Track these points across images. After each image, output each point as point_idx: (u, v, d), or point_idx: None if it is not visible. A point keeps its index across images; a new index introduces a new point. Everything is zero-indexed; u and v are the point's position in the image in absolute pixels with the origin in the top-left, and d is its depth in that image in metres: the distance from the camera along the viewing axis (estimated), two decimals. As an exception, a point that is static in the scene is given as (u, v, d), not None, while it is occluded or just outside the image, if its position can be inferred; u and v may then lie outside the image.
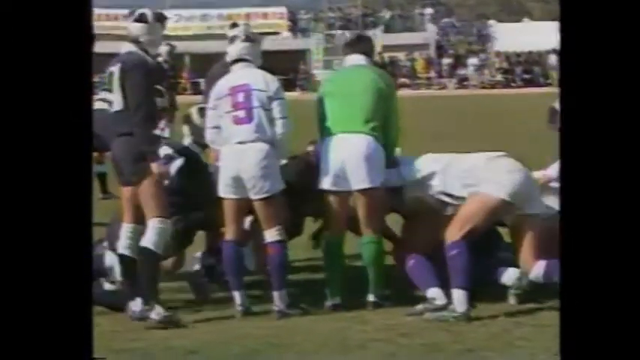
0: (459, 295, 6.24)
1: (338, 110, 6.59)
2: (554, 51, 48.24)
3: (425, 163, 6.74)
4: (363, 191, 6.46)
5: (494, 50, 52.74)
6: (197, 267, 7.05)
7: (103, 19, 57.64)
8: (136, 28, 6.51)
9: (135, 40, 6.49)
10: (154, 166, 6.24)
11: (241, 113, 6.40)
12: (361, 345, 5.70)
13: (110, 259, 6.77)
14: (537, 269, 6.47)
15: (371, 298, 6.51)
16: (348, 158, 6.42)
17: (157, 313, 6.22)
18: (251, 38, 6.76)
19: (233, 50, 6.71)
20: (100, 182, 12.77)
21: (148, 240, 6.29)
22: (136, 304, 6.32)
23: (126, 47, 6.53)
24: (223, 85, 6.59)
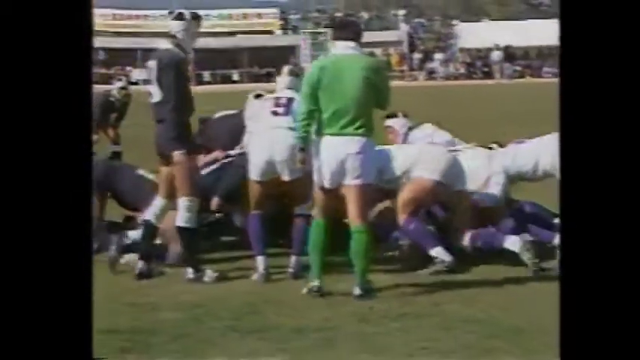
0: (438, 252, 6.41)
1: (331, 109, 5.81)
2: (496, 47, 48.35)
3: None
4: (355, 186, 5.83)
5: (459, 47, 52.67)
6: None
7: (119, 18, 57.41)
8: (173, 26, 6.48)
9: (172, 37, 6.45)
10: (177, 154, 6.22)
11: (280, 109, 6.48)
12: (344, 300, 5.72)
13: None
14: (466, 239, 6.65)
15: (357, 292, 5.79)
16: (346, 159, 5.76)
17: (209, 276, 6.32)
18: (296, 73, 6.85)
19: (281, 82, 6.80)
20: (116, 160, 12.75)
21: (181, 219, 6.33)
22: (189, 272, 6.34)
23: (163, 43, 6.49)
24: (269, 95, 6.76)
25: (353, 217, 5.86)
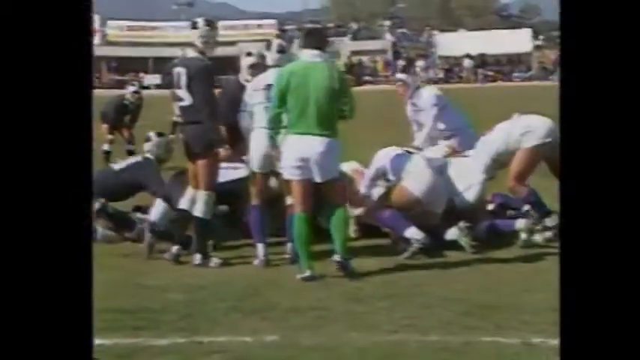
0: (412, 232, 6.41)
1: (298, 111, 5.81)
2: (468, 55, 48.41)
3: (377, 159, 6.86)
4: (328, 182, 5.87)
5: (438, 54, 52.65)
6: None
7: (133, 29, 57.27)
8: (192, 35, 6.40)
9: (194, 45, 6.37)
10: (221, 151, 6.22)
11: None
12: (336, 282, 5.70)
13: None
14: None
15: (337, 258, 5.82)
16: (311, 157, 5.78)
17: (214, 262, 6.28)
18: (284, 50, 6.61)
19: (271, 58, 6.55)
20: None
21: (199, 210, 6.29)
22: (196, 258, 6.28)
23: (189, 52, 6.42)
24: (260, 81, 6.46)
25: (332, 201, 5.92)
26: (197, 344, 4.36)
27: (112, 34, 58.32)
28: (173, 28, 56.06)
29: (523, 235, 6.64)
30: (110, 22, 60.07)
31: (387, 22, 61.50)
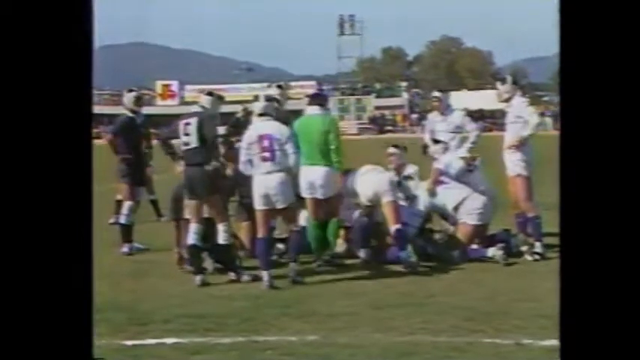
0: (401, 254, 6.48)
1: (304, 148, 6.35)
2: (464, 109, 47.98)
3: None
4: (325, 198, 6.49)
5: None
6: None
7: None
8: (206, 100, 6.51)
9: (202, 106, 6.44)
10: (223, 185, 6.28)
11: (267, 154, 6.11)
12: (359, 292, 5.65)
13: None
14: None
15: (326, 257, 6.60)
16: (315, 180, 6.43)
17: (245, 278, 6.16)
18: (270, 98, 6.46)
19: (257, 107, 6.36)
20: (154, 208, 10.18)
21: (222, 238, 6.21)
22: (230, 275, 6.22)
23: (195, 107, 6.51)
24: (252, 133, 6.23)
25: (329, 215, 6.56)
26: (254, 343, 4.36)
27: (187, 95, 59.36)
28: (234, 89, 56.96)
29: (499, 258, 6.55)
30: (187, 87, 61.15)
31: (404, 83, 61.72)
